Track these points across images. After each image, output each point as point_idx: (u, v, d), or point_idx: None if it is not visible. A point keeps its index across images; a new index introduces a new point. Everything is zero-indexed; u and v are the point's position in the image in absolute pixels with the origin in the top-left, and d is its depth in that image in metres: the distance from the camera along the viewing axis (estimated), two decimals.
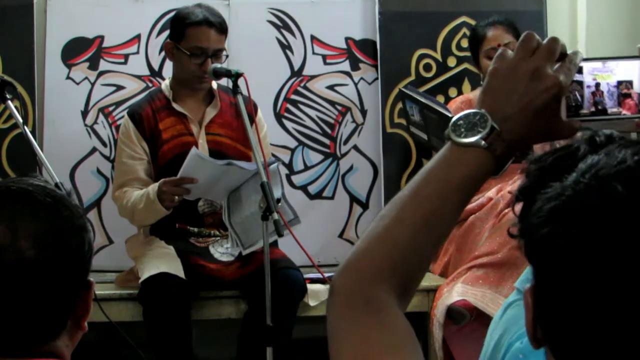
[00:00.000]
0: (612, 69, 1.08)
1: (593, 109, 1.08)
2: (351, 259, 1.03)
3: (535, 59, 1.06)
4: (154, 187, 3.38)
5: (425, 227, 1.02)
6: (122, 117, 3.74)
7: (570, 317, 0.83)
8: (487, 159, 1.04)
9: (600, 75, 1.08)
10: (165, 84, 3.65)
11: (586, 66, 1.09)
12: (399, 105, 4.04)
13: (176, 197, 3.34)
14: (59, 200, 1.24)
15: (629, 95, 1.08)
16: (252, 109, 3.50)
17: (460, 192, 1.04)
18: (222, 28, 3.52)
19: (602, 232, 0.81)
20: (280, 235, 2.95)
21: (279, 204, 3.01)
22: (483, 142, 1.03)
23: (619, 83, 1.08)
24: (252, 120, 3.47)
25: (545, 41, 1.07)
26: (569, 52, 1.07)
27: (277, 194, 3.28)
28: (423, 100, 3.62)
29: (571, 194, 0.85)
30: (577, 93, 1.08)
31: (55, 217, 1.22)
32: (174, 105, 3.57)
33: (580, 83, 1.08)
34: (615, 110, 1.08)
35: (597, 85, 1.08)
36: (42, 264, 1.19)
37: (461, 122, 1.05)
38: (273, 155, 3.93)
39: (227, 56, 3.57)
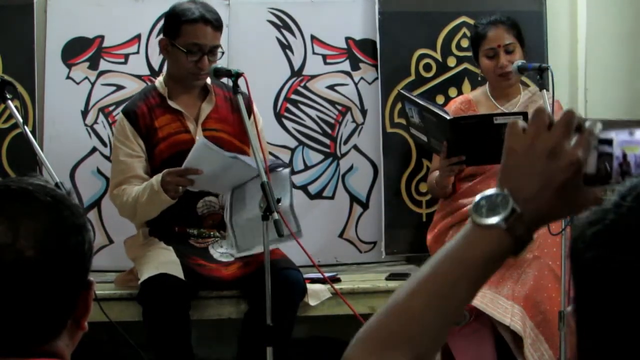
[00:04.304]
0: (639, 140, 1.09)
1: (620, 179, 1.08)
2: (366, 330, 1.02)
3: (553, 136, 1.04)
4: (157, 178, 3.35)
5: (440, 301, 1.02)
6: None
7: (620, 345, 0.82)
8: (507, 240, 1.04)
9: (629, 147, 1.08)
10: (159, 81, 3.62)
11: (616, 139, 1.08)
12: (399, 105, 4.04)
13: (180, 187, 3.33)
14: (59, 200, 1.24)
15: None
16: (250, 105, 3.50)
17: (478, 269, 1.04)
18: (218, 25, 3.50)
19: None
20: (280, 235, 2.94)
21: (279, 204, 3.00)
22: (503, 224, 1.03)
23: None
24: (250, 112, 3.47)
25: (561, 114, 1.06)
26: (587, 123, 1.06)
27: (286, 201, 3.27)
28: (421, 102, 3.62)
29: (614, 217, 0.83)
30: (607, 164, 1.07)
31: (56, 216, 1.22)
32: (170, 102, 3.54)
33: (610, 155, 1.08)
34: None
35: (624, 156, 1.08)
36: (42, 264, 1.19)
37: (483, 202, 1.05)
38: (274, 156, 3.93)
39: (222, 53, 3.55)
